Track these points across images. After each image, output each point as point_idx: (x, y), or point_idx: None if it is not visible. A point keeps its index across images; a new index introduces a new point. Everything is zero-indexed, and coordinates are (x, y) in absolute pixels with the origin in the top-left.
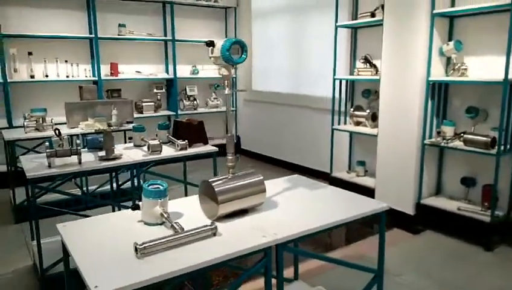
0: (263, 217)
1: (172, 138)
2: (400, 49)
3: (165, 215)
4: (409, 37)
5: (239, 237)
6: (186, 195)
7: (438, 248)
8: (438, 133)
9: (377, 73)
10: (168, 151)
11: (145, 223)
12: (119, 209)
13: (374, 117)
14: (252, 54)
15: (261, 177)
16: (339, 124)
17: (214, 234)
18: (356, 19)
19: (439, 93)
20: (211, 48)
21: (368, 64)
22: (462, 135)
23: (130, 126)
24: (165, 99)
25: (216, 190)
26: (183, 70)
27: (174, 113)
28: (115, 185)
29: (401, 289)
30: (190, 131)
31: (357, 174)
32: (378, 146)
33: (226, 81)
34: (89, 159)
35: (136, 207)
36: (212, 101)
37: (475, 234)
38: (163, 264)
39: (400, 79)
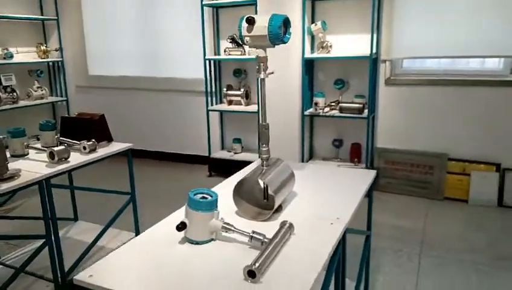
0: (299, 206)
1: (69, 140)
2: None
3: (231, 227)
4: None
5: (310, 230)
6: (135, 208)
7: None
8: (316, 104)
9: (245, 52)
10: (72, 157)
11: (192, 243)
12: None
13: (247, 95)
14: (83, 34)
15: (288, 165)
16: (212, 104)
17: (290, 234)
18: None
19: (310, 69)
20: (248, 25)
21: (235, 44)
22: (332, 104)
23: None
24: None
25: (270, 189)
26: None
27: None
28: None
29: None
30: (91, 128)
31: (235, 152)
32: (261, 121)
33: (262, 64)
34: None
35: (183, 226)
36: (36, 90)
37: None
38: (289, 281)
39: (279, 57)
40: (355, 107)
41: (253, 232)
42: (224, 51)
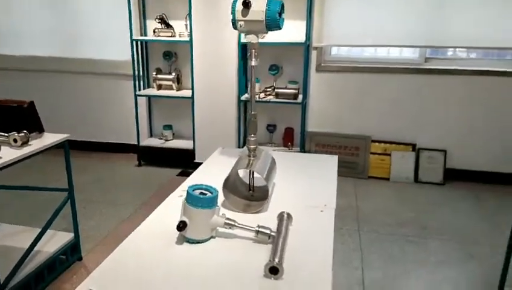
0: (282, 196)
1: None
2: (212, 11)
3: (235, 223)
4: (220, 3)
5: (305, 219)
6: (74, 206)
7: None
8: None
9: (175, 34)
10: (2, 152)
11: (193, 242)
12: None
13: (179, 79)
14: None
15: (269, 153)
16: (140, 89)
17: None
18: None
19: (245, 54)
20: (243, 9)
21: (164, 24)
22: (268, 89)
23: None
24: None
25: (264, 180)
26: None
27: None
28: None
29: None
30: (19, 117)
31: (165, 139)
32: (195, 107)
33: (253, 51)
34: None
35: (184, 225)
36: None
37: None
38: (309, 273)
39: (215, 41)
40: (291, 92)
41: (259, 226)
42: (154, 32)
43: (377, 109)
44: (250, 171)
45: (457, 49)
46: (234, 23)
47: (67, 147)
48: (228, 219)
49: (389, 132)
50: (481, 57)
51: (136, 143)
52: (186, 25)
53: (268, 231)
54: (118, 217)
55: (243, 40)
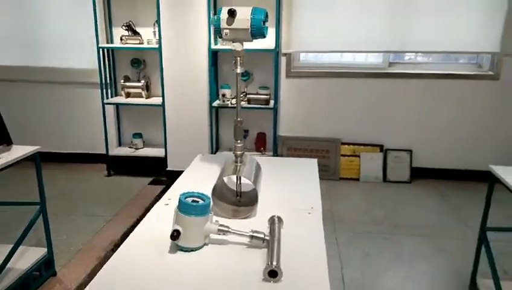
0: (268, 200)
1: None
2: (181, 18)
3: (228, 229)
4: (190, 7)
5: (294, 222)
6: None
7: None
8: (223, 95)
9: (143, 41)
10: None
11: (187, 250)
12: None
13: (148, 87)
14: None
15: (253, 158)
16: (107, 97)
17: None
18: None
19: (215, 61)
20: (228, 18)
21: (131, 31)
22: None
23: None
24: None
25: (253, 185)
26: None
27: None
28: None
29: None
30: None
31: (135, 148)
32: (166, 114)
33: (238, 58)
34: None
35: (178, 234)
36: None
37: None
38: (306, 274)
39: (184, 48)
40: (263, 98)
41: (253, 231)
42: (121, 39)
43: (346, 113)
44: (237, 177)
45: (418, 53)
46: (219, 31)
47: (39, 159)
48: (221, 225)
49: (357, 134)
50: (440, 61)
51: (105, 153)
52: (154, 32)
53: (262, 236)
54: (90, 230)
55: (213, 46)
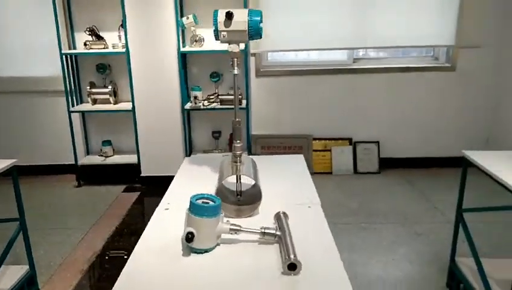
0: (267, 196)
1: None
2: (148, 20)
3: (240, 228)
4: (156, 10)
5: (297, 216)
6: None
7: None
8: (195, 97)
9: (108, 46)
10: None
11: (201, 252)
12: None
13: (115, 92)
14: None
15: (248, 156)
16: (73, 105)
17: None
18: None
19: (184, 63)
20: (226, 20)
21: (95, 36)
22: (211, 97)
23: None
24: None
25: (257, 184)
26: None
27: None
28: None
29: None
30: None
31: (105, 156)
32: (137, 119)
33: (235, 60)
34: None
35: (192, 236)
36: None
37: None
38: (323, 265)
39: (153, 51)
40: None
41: (263, 227)
42: (85, 45)
43: (315, 109)
44: (237, 176)
45: (380, 49)
46: (217, 34)
47: (16, 174)
48: (233, 224)
49: (327, 129)
50: (401, 56)
51: (74, 162)
52: (119, 36)
53: (273, 231)
54: (68, 243)
55: (182, 48)
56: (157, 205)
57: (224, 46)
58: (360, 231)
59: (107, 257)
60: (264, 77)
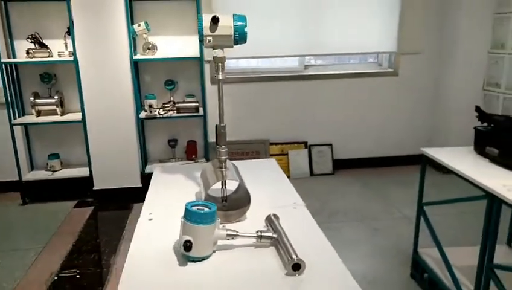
0: (253, 204)
1: None
2: (97, 27)
3: (237, 233)
4: (106, 16)
5: (286, 217)
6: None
7: None
8: (150, 106)
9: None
10: None
11: (198, 260)
12: None
13: (62, 103)
14: None
15: (230, 161)
16: (14, 117)
17: None
18: None
19: (137, 71)
20: (211, 25)
21: (38, 44)
22: (166, 105)
23: None
24: None
25: (247, 189)
26: None
27: None
28: None
29: None
30: None
31: (53, 170)
32: (88, 130)
33: (220, 65)
34: None
35: (191, 244)
36: None
37: None
38: (323, 263)
39: (104, 60)
40: (193, 106)
41: (259, 231)
42: (28, 53)
43: (271, 114)
44: (223, 182)
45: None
46: (202, 38)
47: None
48: (229, 229)
49: (284, 134)
50: (348, 62)
51: (18, 179)
52: (65, 44)
53: (270, 234)
54: (21, 265)
55: (135, 56)
56: (113, 219)
57: (178, 54)
58: (324, 230)
59: (67, 277)
60: None
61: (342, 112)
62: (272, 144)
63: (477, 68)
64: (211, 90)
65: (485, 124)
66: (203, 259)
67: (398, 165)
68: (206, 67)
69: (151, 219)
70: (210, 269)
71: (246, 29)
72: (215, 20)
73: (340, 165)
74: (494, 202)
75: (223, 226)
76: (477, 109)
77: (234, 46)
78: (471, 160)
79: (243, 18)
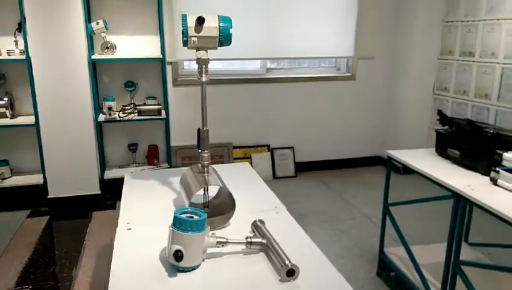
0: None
1: None
2: (53, 26)
3: (227, 240)
4: (61, 13)
5: (270, 222)
6: None
7: None
8: (109, 108)
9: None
10: None
11: (189, 270)
12: None
13: (12, 105)
14: None
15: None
16: None
17: None
18: None
19: (95, 71)
20: (196, 25)
21: None
22: (126, 107)
23: None
24: None
25: (231, 194)
26: None
27: None
28: None
29: None
30: None
31: (1, 177)
32: (41, 134)
33: (204, 67)
34: None
35: (182, 254)
36: None
37: None
38: (316, 267)
39: (59, 59)
40: (155, 108)
41: (248, 237)
42: None
43: (233, 117)
44: (205, 188)
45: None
46: (186, 39)
47: None
48: (219, 237)
49: (246, 137)
50: (308, 66)
51: None
52: (16, 42)
53: (259, 240)
54: None
55: (93, 56)
56: (72, 229)
57: (138, 54)
58: None
59: None
60: (182, 86)
61: (303, 115)
62: (235, 147)
63: (428, 73)
64: (173, 92)
65: (446, 127)
66: (193, 269)
67: (357, 166)
68: (168, 68)
69: (129, 229)
70: (202, 279)
71: (231, 31)
72: (200, 21)
73: (302, 167)
74: (460, 201)
75: (213, 233)
76: (439, 112)
77: (218, 48)
78: (433, 161)
79: (227, 19)
